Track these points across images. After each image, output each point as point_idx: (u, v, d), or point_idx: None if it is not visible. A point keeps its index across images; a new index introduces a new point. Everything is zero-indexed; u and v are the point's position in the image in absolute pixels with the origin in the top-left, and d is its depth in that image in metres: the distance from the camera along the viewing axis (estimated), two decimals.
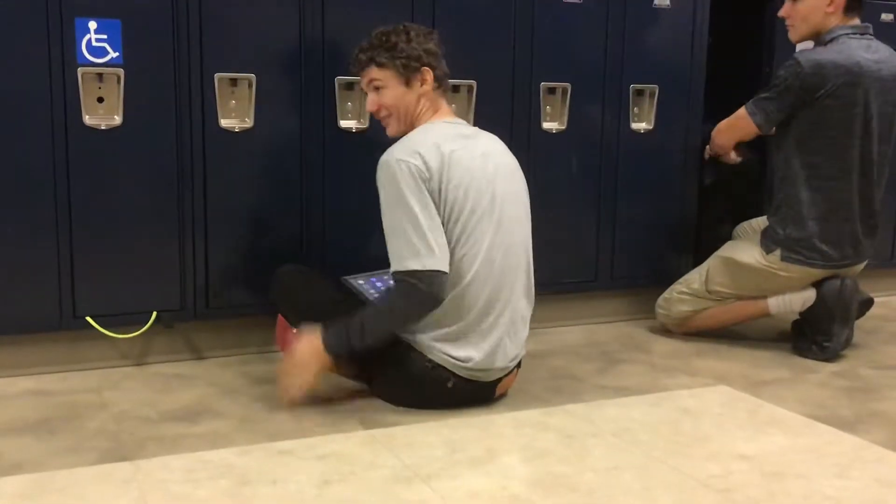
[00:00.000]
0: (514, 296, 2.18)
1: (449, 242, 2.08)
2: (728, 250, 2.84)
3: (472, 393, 2.17)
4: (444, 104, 2.25)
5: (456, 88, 2.72)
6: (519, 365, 2.27)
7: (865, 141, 2.64)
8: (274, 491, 1.70)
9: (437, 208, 2.06)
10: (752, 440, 2.01)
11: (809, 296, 2.71)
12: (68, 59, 2.26)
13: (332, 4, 2.52)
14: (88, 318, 2.36)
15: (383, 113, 2.21)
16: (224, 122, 2.45)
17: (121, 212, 2.38)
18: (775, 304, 2.76)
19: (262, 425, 2.05)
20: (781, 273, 2.69)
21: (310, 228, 2.58)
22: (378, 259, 2.18)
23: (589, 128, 2.95)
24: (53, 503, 1.63)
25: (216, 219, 2.48)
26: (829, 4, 2.65)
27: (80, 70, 2.28)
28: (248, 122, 2.47)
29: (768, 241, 2.71)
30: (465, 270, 2.09)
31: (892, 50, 2.71)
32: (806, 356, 2.71)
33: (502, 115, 2.80)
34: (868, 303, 2.90)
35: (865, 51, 2.63)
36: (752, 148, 2.97)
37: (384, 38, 2.16)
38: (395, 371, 2.16)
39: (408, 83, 2.17)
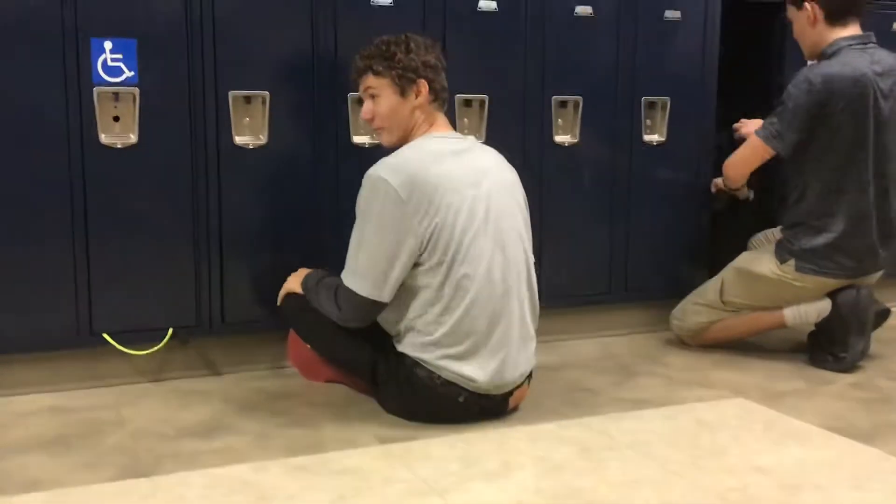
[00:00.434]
0: (518, 310, 2.18)
1: (441, 264, 2.08)
2: (743, 261, 2.83)
3: (485, 407, 2.17)
4: (440, 118, 2.25)
5: (468, 102, 2.73)
6: (530, 377, 2.27)
7: (879, 152, 2.64)
8: None
9: (420, 231, 2.05)
10: (770, 452, 2.00)
11: (825, 306, 2.70)
12: (84, 78, 2.29)
13: (345, 21, 2.54)
14: (105, 335, 2.38)
15: (377, 122, 2.23)
16: (238, 140, 2.47)
17: (137, 229, 2.40)
18: (791, 314, 2.75)
19: (278, 441, 2.05)
20: (796, 283, 2.68)
21: (323, 244, 2.59)
22: None
23: (601, 140, 2.95)
24: None
25: (231, 235, 2.49)
26: (809, 21, 2.68)
27: (96, 89, 2.30)
28: (263, 139, 2.49)
29: (783, 251, 2.70)
30: (467, 290, 2.09)
31: (895, 57, 2.71)
32: (822, 367, 2.69)
33: (514, 128, 2.81)
34: (884, 313, 2.89)
35: (869, 61, 2.63)
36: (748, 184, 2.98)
37: (384, 48, 2.18)
38: (405, 389, 2.16)
39: (403, 94, 2.17)
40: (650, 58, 2.98)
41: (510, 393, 2.20)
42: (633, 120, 2.99)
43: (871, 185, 2.64)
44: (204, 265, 2.47)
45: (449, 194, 2.08)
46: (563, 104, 2.88)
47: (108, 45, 2.30)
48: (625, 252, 3.04)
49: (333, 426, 2.15)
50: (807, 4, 2.68)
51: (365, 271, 2.09)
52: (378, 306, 2.12)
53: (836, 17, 2.66)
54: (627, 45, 2.94)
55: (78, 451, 1.99)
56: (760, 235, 3.00)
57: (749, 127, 2.86)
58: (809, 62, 2.79)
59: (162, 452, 1.98)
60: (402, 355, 2.15)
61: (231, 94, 2.44)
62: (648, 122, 3.02)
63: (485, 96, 2.74)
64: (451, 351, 2.10)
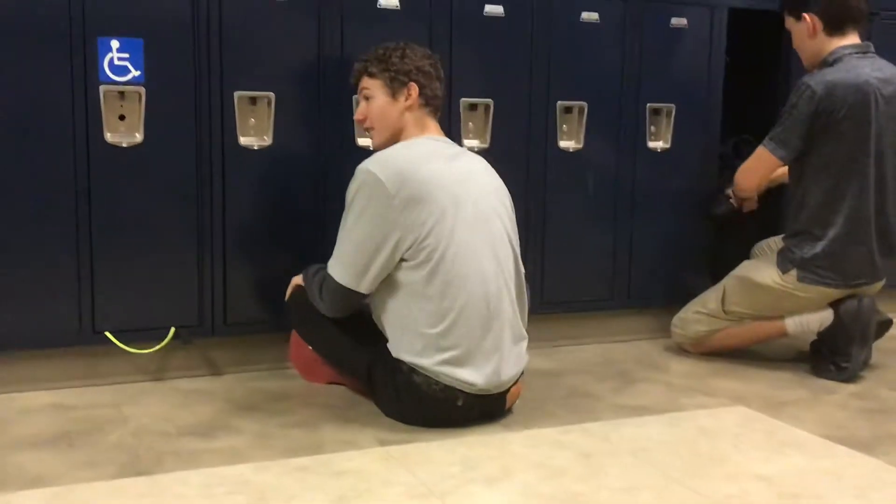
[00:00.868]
0: (510, 310, 2.19)
1: (429, 262, 2.08)
2: (745, 270, 2.83)
3: (483, 408, 2.18)
4: (432, 124, 2.28)
5: (473, 106, 2.74)
6: (522, 373, 2.27)
7: (879, 159, 2.64)
8: None
9: (407, 226, 2.07)
10: (770, 461, 2.00)
11: (827, 316, 2.70)
12: (91, 77, 2.30)
13: (351, 23, 2.55)
14: (107, 334, 2.38)
15: (367, 122, 2.28)
16: (243, 140, 2.48)
17: (140, 228, 2.40)
18: (792, 324, 2.74)
19: (279, 441, 2.06)
20: (798, 293, 2.68)
21: (327, 246, 2.59)
22: None
23: (606, 146, 2.95)
24: None
25: (234, 235, 2.50)
26: (809, 32, 2.69)
27: (102, 88, 2.31)
28: (268, 140, 2.50)
29: (784, 261, 2.70)
30: (459, 290, 2.10)
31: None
32: (824, 377, 2.69)
33: (519, 133, 2.81)
34: (887, 324, 2.88)
35: (871, 69, 2.64)
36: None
37: (381, 52, 2.26)
38: (402, 394, 2.16)
39: (394, 95, 2.23)
40: (656, 64, 2.98)
41: (506, 391, 2.21)
42: (638, 126, 2.99)
43: (871, 192, 2.65)
44: (207, 265, 2.48)
45: (438, 192, 2.10)
46: (568, 110, 2.89)
47: (114, 44, 2.30)
48: (627, 258, 3.04)
49: (334, 427, 2.16)
50: (806, 16, 2.69)
51: (347, 262, 2.13)
52: (356, 296, 2.15)
53: (835, 27, 2.67)
54: (633, 51, 2.94)
55: (79, 448, 1.99)
56: (763, 244, 2.99)
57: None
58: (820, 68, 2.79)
59: (163, 451, 1.98)
60: (399, 361, 2.15)
61: (236, 94, 2.45)
62: (653, 128, 3.02)
63: (489, 101, 2.74)
64: (447, 355, 2.10)
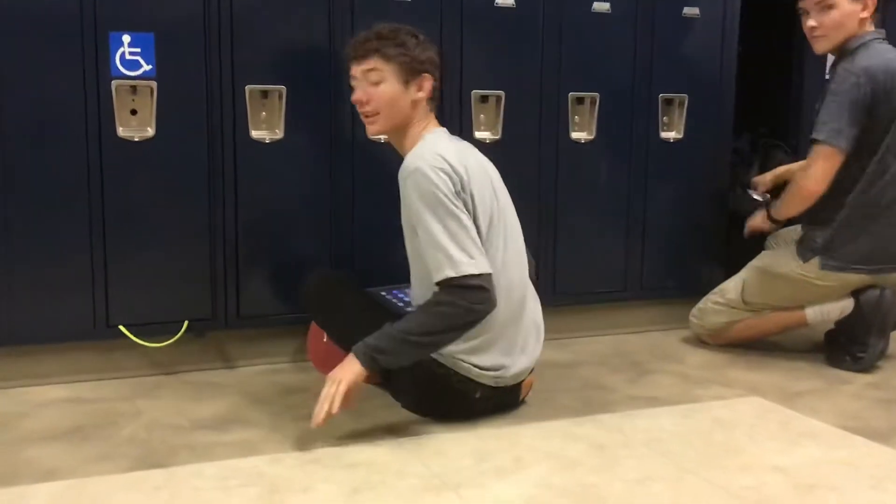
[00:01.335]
0: (530, 302, 2.20)
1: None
2: (764, 260, 2.81)
3: (499, 400, 2.17)
4: (433, 118, 2.19)
5: (484, 98, 2.73)
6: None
7: None
8: (304, 499, 1.70)
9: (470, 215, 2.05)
10: (786, 452, 1.99)
11: (847, 305, 2.68)
12: (102, 72, 2.30)
13: (362, 16, 2.54)
14: (121, 327, 2.39)
15: (370, 108, 2.11)
16: (255, 134, 2.48)
17: (153, 222, 2.41)
18: (813, 313, 2.73)
19: (293, 434, 2.06)
20: (819, 283, 2.66)
21: (339, 238, 2.60)
22: (407, 268, 2.18)
23: (618, 137, 2.94)
24: None
25: (246, 228, 2.50)
26: (863, 9, 2.61)
27: (113, 83, 2.31)
28: (279, 134, 2.50)
29: (805, 249, 2.68)
30: (495, 279, 2.09)
31: None
32: (840, 367, 2.67)
33: (530, 125, 2.80)
34: None
35: (893, 54, 2.61)
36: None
37: (394, 34, 2.09)
38: (420, 384, 2.15)
39: (406, 84, 2.10)
40: (668, 55, 2.97)
41: (521, 382, 2.21)
42: (650, 117, 2.98)
43: (891, 173, 2.61)
44: (220, 259, 2.48)
45: (477, 186, 2.07)
46: (580, 101, 2.87)
47: (126, 38, 2.31)
48: (640, 250, 3.03)
49: (347, 420, 2.15)
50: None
51: (464, 253, 1.97)
52: (490, 278, 2.00)
53: (876, 14, 2.63)
54: (645, 41, 2.92)
55: (93, 441, 2.00)
56: (778, 234, 2.97)
57: (754, 221, 2.90)
58: (830, 58, 2.76)
59: (176, 444, 1.99)
60: None
61: (248, 88, 2.45)
62: (665, 119, 3.01)
63: (501, 93, 2.73)
64: (472, 344, 2.09)
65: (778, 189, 2.97)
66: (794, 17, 2.80)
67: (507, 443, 2.02)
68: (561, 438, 2.05)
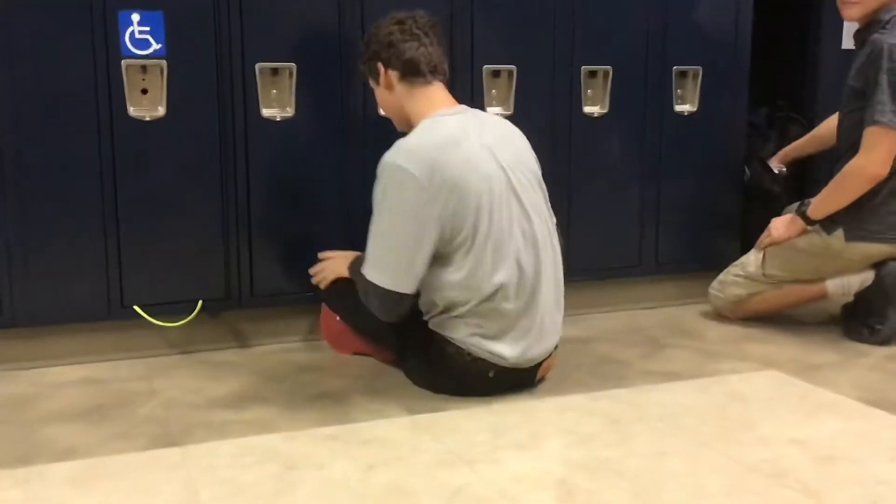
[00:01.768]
0: (550, 285, 2.15)
1: (466, 248, 2.03)
2: None
3: (514, 380, 2.16)
4: (436, 93, 2.12)
5: (496, 73, 2.71)
6: (556, 346, 2.25)
7: None
8: (320, 475, 1.71)
9: (441, 218, 1.99)
10: (803, 425, 1.97)
11: (868, 277, 2.66)
12: (112, 51, 2.29)
13: None
14: (136, 308, 2.40)
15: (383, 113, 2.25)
16: (266, 112, 2.47)
17: (165, 202, 2.41)
18: (833, 286, 2.71)
19: (307, 412, 2.06)
20: (841, 255, 2.64)
21: (352, 216, 2.59)
22: None
23: (631, 111, 2.91)
24: (104, 488, 1.65)
25: (259, 207, 2.50)
26: None
27: (123, 62, 2.31)
28: (290, 112, 2.49)
29: (828, 222, 2.64)
30: (495, 271, 2.05)
31: None
32: (857, 340, 2.65)
33: (543, 99, 2.78)
34: None
35: None
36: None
37: (364, 38, 2.19)
38: (434, 363, 2.15)
39: (378, 82, 2.16)
40: (682, 26, 2.93)
41: (538, 365, 2.19)
42: (665, 90, 2.94)
43: None
44: (233, 238, 2.48)
45: (471, 177, 2.01)
46: (593, 74, 2.84)
47: (135, 17, 2.30)
48: (655, 224, 3.01)
49: (362, 397, 2.16)
50: None
51: (385, 264, 2.02)
52: (405, 298, 2.05)
53: None
54: (658, 13, 2.89)
55: (110, 421, 2.01)
56: (794, 208, 2.94)
57: (778, 231, 2.76)
58: (847, 27, 2.71)
59: (192, 422, 1.99)
60: (432, 332, 2.14)
61: (258, 66, 2.43)
62: (680, 91, 2.97)
63: (513, 67, 2.71)
64: (482, 331, 2.09)
65: (795, 165, 2.94)
66: None
67: (523, 418, 2.01)
68: (577, 413, 2.04)
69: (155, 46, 2.33)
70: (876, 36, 2.54)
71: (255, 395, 2.18)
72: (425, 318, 2.17)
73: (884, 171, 2.53)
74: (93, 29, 2.27)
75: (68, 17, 2.25)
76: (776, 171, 2.95)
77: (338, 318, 2.42)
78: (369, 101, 2.56)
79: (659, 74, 2.93)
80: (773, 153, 3.13)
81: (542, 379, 2.26)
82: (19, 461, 1.78)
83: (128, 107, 2.33)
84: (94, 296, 2.37)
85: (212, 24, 2.37)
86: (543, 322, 2.14)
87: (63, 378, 2.31)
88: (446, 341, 2.11)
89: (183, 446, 1.85)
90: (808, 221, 2.69)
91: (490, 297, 2.06)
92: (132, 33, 2.30)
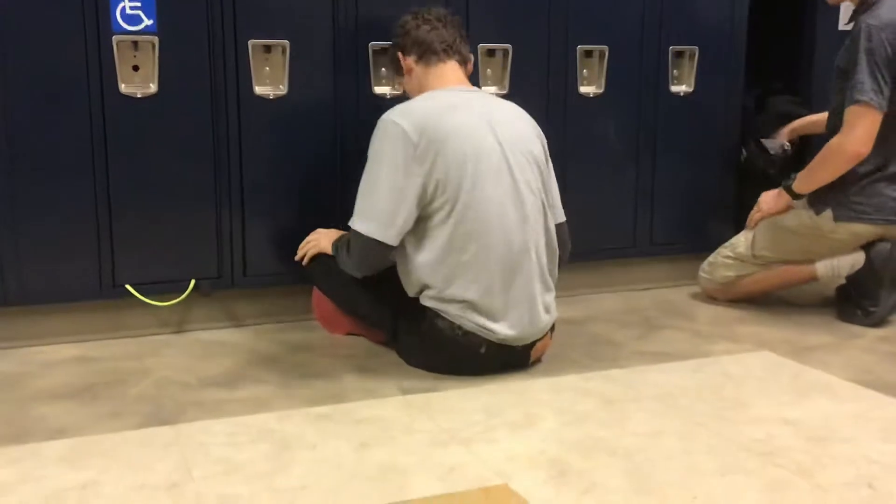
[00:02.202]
0: (537, 263, 2.16)
1: (451, 214, 2.07)
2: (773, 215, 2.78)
3: (507, 358, 2.16)
4: (448, 71, 2.25)
5: (491, 52, 2.69)
6: (553, 329, 2.25)
7: None
8: (313, 454, 1.70)
9: (426, 179, 2.05)
10: (796, 405, 1.98)
11: (858, 259, 2.66)
12: (103, 27, 2.27)
13: None
14: (128, 287, 2.38)
15: None
16: (259, 90, 2.45)
17: (158, 180, 2.39)
18: (823, 268, 2.71)
19: (301, 391, 2.06)
20: (831, 235, 2.64)
21: (345, 195, 2.57)
22: None
23: (627, 91, 2.90)
24: (97, 466, 1.65)
25: (252, 186, 2.48)
26: None
27: (115, 38, 2.28)
28: (283, 89, 2.47)
29: (818, 202, 2.65)
30: (479, 241, 2.07)
31: None
32: (851, 322, 2.66)
33: (538, 79, 2.76)
34: None
35: None
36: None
37: None
38: (427, 339, 2.15)
39: (403, 72, 2.31)
40: (678, 6, 2.91)
41: (531, 345, 2.18)
42: (660, 70, 2.93)
43: None
44: (225, 217, 2.47)
45: (459, 143, 2.07)
46: (589, 54, 2.83)
47: None
48: (650, 206, 3.00)
49: (355, 377, 2.15)
50: None
51: (373, 213, 2.09)
52: (385, 249, 2.10)
53: None
54: None
55: (103, 399, 2.00)
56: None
57: (768, 205, 2.77)
58: (843, 9, 2.70)
59: (185, 401, 1.99)
60: (424, 308, 2.14)
61: (251, 42, 2.41)
62: (676, 72, 2.96)
63: (508, 46, 2.69)
64: (470, 303, 2.09)
65: (793, 144, 2.94)
66: None
67: (518, 398, 2.01)
68: (571, 393, 2.04)
69: (146, 22, 2.30)
70: (861, 17, 2.56)
71: (248, 375, 2.17)
72: (414, 293, 2.18)
73: (864, 149, 2.53)
74: (83, 4, 2.24)
75: None
76: (782, 148, 2.94)
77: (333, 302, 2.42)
78: (363, 79, 2.55)
79: (655, 55, 2.91)
80: (765, 134, 3.12)
81: (538, 360, 2.25)
82: (12, 440, 1.77)
83: (119, 84, 2.31)
84: (87, 275, 2.36)
85: (203, 0, 2.35)
86: (533, 299, 2.14)
87: (55, 357, 2.30)
88: (438, 315, 2.12)
89: (176, 425, 1.85)
90: (794, 196, 2.70)
91: (476, 266, 2.08)
92: (123, 9, 2.27)
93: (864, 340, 2.50)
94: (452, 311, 2.10)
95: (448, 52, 2.24)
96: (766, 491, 1.56)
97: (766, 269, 2.78)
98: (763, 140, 3.02)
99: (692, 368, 2.23)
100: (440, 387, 2.08)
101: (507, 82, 2.70)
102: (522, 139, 2.18)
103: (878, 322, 2.63)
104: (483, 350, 2.12)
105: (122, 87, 2.31)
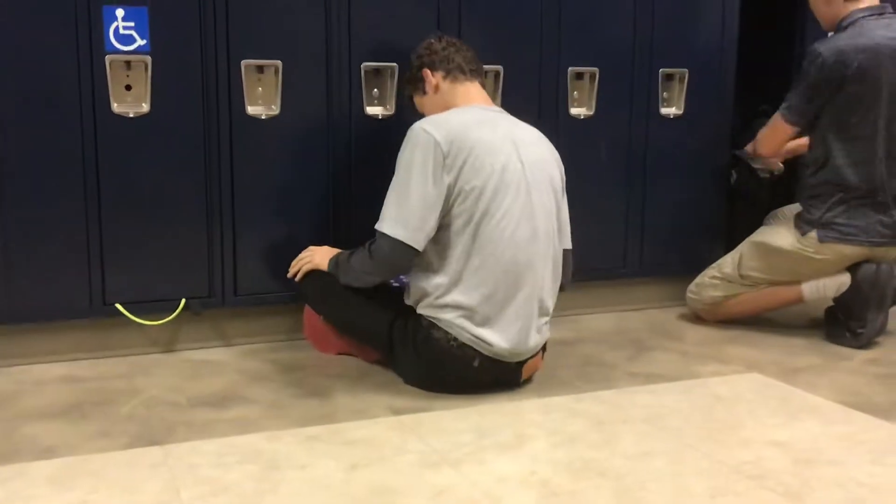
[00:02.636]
0: (540, 283, 2.18)
1: (468, 224, 2.10)
2: (761, 235, 2.81)
3: (499, 374, 2.17)
4: (473, 90, 2.30)
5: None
6: (544, 349, 2.26)
7: (892, 120, 2.61)
8: (302, 475, 1.70)
9: (451, 189, 2.09)
10: (785, 427, 1.98)
11: (844, 281, 2.68)
12: (96, 46, 2.27)
13: None
14: (118, 306, 2.38)
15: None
16: (251, 110, 2.45)
17: (149, 199, 2.39)
18: (809, 289, 2.72)
19: (291, 411, 2.05)
20: (816, 256, 2.66)
21: (337, 215, 2.58)
22: None
23: (617, 113, 2.92)
24: (85, 486, 1.64)
25: (244, 206, 2.48)
26: None
27: (108, 58, 2.29)
28: (275, 110, 2.47)
29: (803, 222, 2.68)
30: (490, 254, 2.10)
31: None
32: (839, 343, 2.67)
33: (530, 100, 2.77)
34: None
35: (885, 29, 2.61)
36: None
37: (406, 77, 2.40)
38: (421, 351, 2.16)
39: (423, 92, 2.33)
40: (668, 29, 2.94)
41: (523, 362, 2.19)
42: (651, 92, 2.95)
43: (881, 152, 2.62)
44: (216, 236, 2.47)
45: (483, 158, 2.11)
46: (580, 76, 2.85)
47: (119, 12, 2.28)
48: (640, 227, 3.01)
49: (346, 397, 2.15)
50: None
51: (404, 218, 2.10)
52: (412, 253, 2.11)
53: None
54: (645, 15, 2.90)
55: (92, 419, 1.99)
56: (778, 211, 2.96)
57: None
58: (829, 34, 2.77)
59: (175, 421, 1.98)
60: (419, 317, 2.16)
61: (243, 63, 2.42)
62: (666, 94, 2.98)
63: (499, 67, 2.71)
64: (470, 313, 2.11)
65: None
66: None
67: (508, 419, 2.01)
68: (561, 414, 2.04)
69: (139, 42, 2.31)
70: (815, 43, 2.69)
71: (237, 394, 2.17)
72: (413, 300, 2.19)
73: (762, 151, 2.88)
74: (77, 24, 2.25)
75: (52, 11, 2.23)
76: (771, 171, 2.98)
77: (322, 318, 2.42)
78: (355, 99, 2.56)
79: (645, 77, 2.93)
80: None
81: (528, 380, 2.26)
82: (0, 459, 1.76)
83: (112, 103, 2.31)
84: (77, 293, 2.35)
85: (197, 20, 2.36)
86: (531, 315, 2.16)
87: (44, 376, 2.29)
88: (434, 326, 2.13)
89: (165, 445, 1.84)
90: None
91: (483, 275, 2.10)
92: (116, 29, 2.28)
93: (852, 362, 2.51)
94: (448, 320, 2.12)
95: (474, 72, 2.32)
96: None
97: (754, 289, 2.80)
98: (752, 163, 3.04)
99: (682, 390, 2.24)
100: (431, 407, 2.08)
101: (498, 103, 2.70)
102: (542, 162, 2.24)
103: (866, 344, 2.64)
104: (476, 363, 2.13)
105: (115, 107, 2.31)
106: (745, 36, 3.09)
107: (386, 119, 2.59)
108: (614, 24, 2.87)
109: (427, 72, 2.30)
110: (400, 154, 2.15)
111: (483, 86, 2.35)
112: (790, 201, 2.91)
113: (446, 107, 2.27)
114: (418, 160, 2.10)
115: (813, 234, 2.65)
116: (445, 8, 2.61)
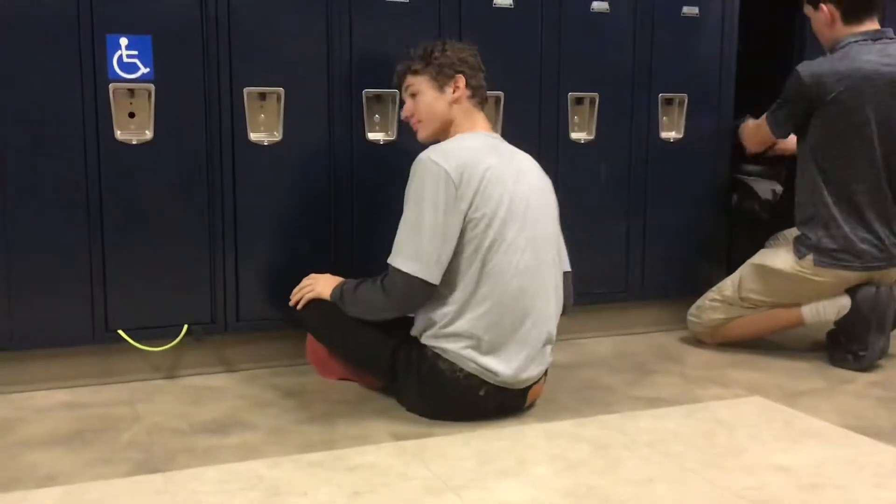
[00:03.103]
0: (544, 311, 2.18)
1: (477, 253, 2.09)
2: (761, 257, 2.82)
3: (504, 401, 2.16)
4: (480, 118, 2.29)
5: None
6: (546, 374, 2.26)
7: (883, 145, 2.63)
8: (305, 502, 1.69)
9: (464, 218, 2.08)
10: (788, 451, 1.98)
11: (844, 304, 2.67)
12: (100, 74, 2.29)
13: (360, 18, 2.53)
14: (120, 332, 2.38)
15: (416, 117, 2.29)
16: (253, 136, 2.47)
17: (152, 226, 2.40)
18: (809, 312, 2.72)
19: (293, 437, 2.05)
20: (815, 278, 2.66)
21: (339, 241, 2.59)
22: None
23: (618, 137, 2.93)
24: None
25: (246, 232, 2.49)
26: (826, 22, 2.71)
27: (111, 86, 2.30)
28: (277, 136, 2.49)
29: (800, 246, 2.69)
30: (498, 282, 2.10)
31: None
32: (841, 366, 2.67)
33: (530, 125, 2.79)
34: None
35: (877, 55, 2.63)
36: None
37: (422, 50, 2.27)
38: (426, 381, 2.15)
39: (441, 89, 2.24)
40: (667, 54, 2.96)
41: (528, 388, 2.19)
42: (650, 117, 2.97)
43: (870, 177, 2.64)
44: (219, 262, 2.47)
45: (494, 186, 2.11)
46: (580, 101, 2.87)
47: (123, 41, 2.30)
48: (641, 250, 3.02)
49: (348, 423, 2.15)
50: (823, 6, 2.69)
51: (418, 253, 2.07)
52: (428, 289, 2.09)
53: (851, 16, 2.68)
54: (644, 41, 2.92)
55: (93, 446, 1.99)
56: (779, 235, 2.96)
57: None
58: (829, 54, 2.79)
59: (176, 448, 1.98)
60: (424, 347, 2.15)
61: (246, 90, 2.44)
62: (665, 118, 3.00)
63: (500, 93, 2.72)
64: (474, 342, 2.10)
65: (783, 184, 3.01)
66: (793, 14, 2.82)
67: (510, 444, 2.01)
68: (564, 439, 2.04)
69: (143, 70, 2.33)
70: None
71: (239, 420, 2.16)
72: (418, 330, 2.18)
73: (745, 143, 3.00)
74: (80, 52, 2.27)
75: (56, 40, 2.25)
76: (772, 192, 3.00)
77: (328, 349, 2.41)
78: (357, 126, 2.58)
79: (645, 101, 2.95)
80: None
81: (531, 405, 2.25)
82: (2, 487, 1.76)
83: (115, 130, 2.33)
84: (79, 319, 2.35)
85: (200, 49, 2.38)
86: (536, 343, 2.16)
87: (46, 402, 2.28)
88: (439, 357, 2.12)
89: (166, 472, 1.83)
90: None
91: (490, 305, 2.09)
92: (120, 57, 2.30)
93: (855, 385, 2.51)
94: (455, 351, 2.11)
95: (484, 102, 2.32)
96: None
97: (754, 312, 2.80)
98: (753, 185, 3.05)
99: (684, 414, 2.23)
100: (433, 432, 2.07)
101: (499, 129, 2.73)
102: (542, 190, 2.25)
103: (869, 366, 2.64)
104: (482, 392, 2.12)
105: (118, 134, 2.33)
106: (743, 61, 3.11)
107: (387, 144, 2.60)
108: (614, 50, 2.89)
109: (462, 80, 2.24)
110: (408, 186, 2.12)
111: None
112: (791, 223, 2.91)
113: (449, 123, 2.24)
114: (429, 192, 2.07)
115: (810, 257, 2.66)
116: (445, 33, 2.62)
